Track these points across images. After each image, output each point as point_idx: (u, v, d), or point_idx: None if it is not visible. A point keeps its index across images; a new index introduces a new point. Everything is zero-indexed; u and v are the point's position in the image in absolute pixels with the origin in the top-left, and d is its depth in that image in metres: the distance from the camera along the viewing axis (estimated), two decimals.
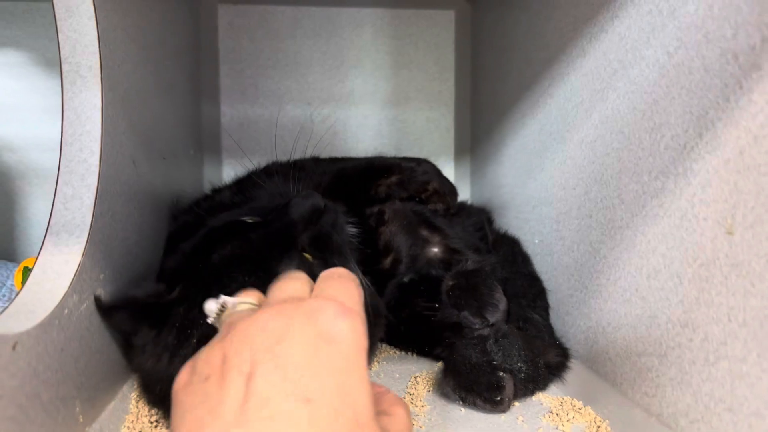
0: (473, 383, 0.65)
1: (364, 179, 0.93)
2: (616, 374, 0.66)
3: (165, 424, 0.60)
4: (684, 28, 0.54)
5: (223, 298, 0.44)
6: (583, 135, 0.73)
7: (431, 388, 0.72)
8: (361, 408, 0.33)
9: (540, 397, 0.69)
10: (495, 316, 0.76)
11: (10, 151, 1.20)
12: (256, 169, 0.97)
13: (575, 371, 0.73)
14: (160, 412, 0.61)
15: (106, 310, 0.62)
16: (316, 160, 0.99)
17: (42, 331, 0.49)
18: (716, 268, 0.50)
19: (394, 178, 0.93)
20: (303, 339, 0.34)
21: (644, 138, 0.60)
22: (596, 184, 0.69)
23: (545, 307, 0.84)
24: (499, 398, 0.64)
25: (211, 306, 0.44)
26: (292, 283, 0.42)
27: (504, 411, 0.64)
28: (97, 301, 0.61)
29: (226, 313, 0.43)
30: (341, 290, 0.39)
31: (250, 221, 0.66)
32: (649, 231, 0.60)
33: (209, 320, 0.44)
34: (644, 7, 0.60)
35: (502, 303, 0.77)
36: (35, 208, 1.22)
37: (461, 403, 0.67)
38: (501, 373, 0.64)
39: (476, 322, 0.75)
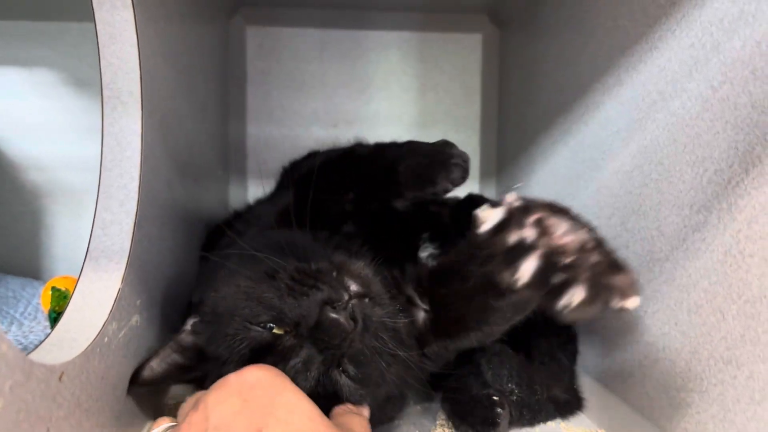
0: (468, 414, 0.64)
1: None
2: (653, 408, 0.65)
3: None
4: (729, 64, 0.54)
5: None
6: (619, 164, 0.72)
7: None
8: (304, 412, 0.43)
9: (574, 429, 0.68)
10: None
11: (38, 169, 1.21)
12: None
13: (610, 403, 0.72)
14: None
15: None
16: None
17: (85, 360, 0.49)
18: (763, 306, 0.49)
19: None
20: (230, 402, 0.43)
21: (686, 171, 0.60)
22: (634, 214, 0.69)
23: (574, 352, 0.82)
24: None
25: None
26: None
27: None
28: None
29: None
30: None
31: (274, 333, 0.55)
32: (690, 265, 0.59)
33: None
34: (685, 41, 0.60)
35: None
36: (61, 227, 1.23)
37: (454, 430, 0.66)
38: (498, 410, 0.63)
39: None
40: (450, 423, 0.69)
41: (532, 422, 0.68)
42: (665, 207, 0.63)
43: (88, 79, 1.19)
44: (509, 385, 0.65)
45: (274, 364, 0.50)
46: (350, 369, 0.54)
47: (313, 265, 0.57)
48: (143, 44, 0.63)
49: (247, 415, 0.42)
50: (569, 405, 0.73)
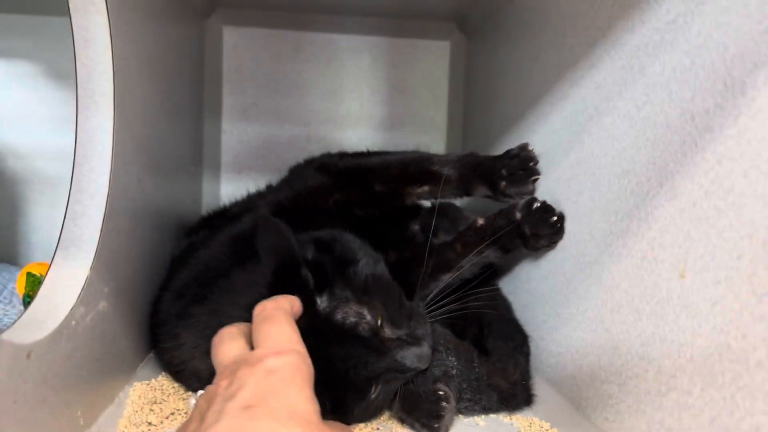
0: (414, 408, 0.68)
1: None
2: (581, 399, 0.70)
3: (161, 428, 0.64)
4: (651, 85, 0.59)
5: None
6: (560, 173, 0.78)
7: None
8: (301, 407, 0.45)
9: (510, 417, 0.73)
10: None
11: (16, 158, 1.25)
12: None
13: (546, 394, 0.77)
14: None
15: (274, 222, 0.64)
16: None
17: (52, 341, 0.54)
18: (670, 308, 0.55)
19: None
20: (250, 379, 0.45)
21: (613, 182, 0.65)
22: (570, 219, 0.75)
23: (527, 354, 0.86)
24: (436, 425, 0.66)
25: (192, 402, 0.52)
26: (230, 346, 0.52)
27: None
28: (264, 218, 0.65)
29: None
30: (273, 337, 0.51)
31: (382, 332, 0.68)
32: (614, 268, 0.64)
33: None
34: (618, 62, 0.65)
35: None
36: (38, 214, 1.27)
37: (400, 423, 0.70)
38: (443, 403, 0.66)
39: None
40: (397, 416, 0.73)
41: (473, 404, 0.72)
42: (596, 214, 0.69)
43: (66, 71, 1.20)
44: (450, 358, 0.70)
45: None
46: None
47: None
48: (117, 47, 0.67)
49: (249, 395, 0.44)
50: (515, 398, 0.76)
